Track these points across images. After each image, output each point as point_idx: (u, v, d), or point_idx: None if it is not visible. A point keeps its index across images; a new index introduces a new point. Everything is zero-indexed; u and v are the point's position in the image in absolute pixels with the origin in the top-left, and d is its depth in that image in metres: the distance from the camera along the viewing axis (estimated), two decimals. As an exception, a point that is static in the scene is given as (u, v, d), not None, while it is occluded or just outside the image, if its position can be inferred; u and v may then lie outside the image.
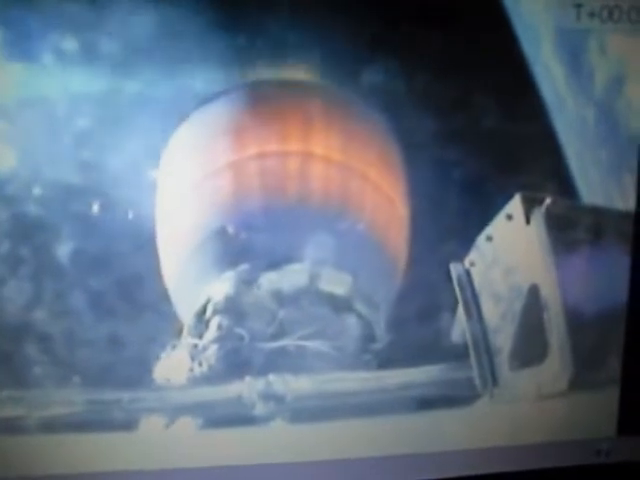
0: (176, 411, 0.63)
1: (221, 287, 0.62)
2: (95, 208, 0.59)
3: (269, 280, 0.62)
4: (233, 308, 0.62)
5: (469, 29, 0.62)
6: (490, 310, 0.66)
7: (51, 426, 0.61)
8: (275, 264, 0.62)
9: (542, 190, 0.65)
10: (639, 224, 0.67)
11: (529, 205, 0.65)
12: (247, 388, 0.63)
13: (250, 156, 0.61)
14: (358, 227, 0.63)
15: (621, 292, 0.68)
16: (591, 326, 0.68)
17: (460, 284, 0.65)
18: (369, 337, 0.64)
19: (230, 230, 0.61)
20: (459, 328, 0.65)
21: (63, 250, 0.59)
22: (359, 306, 0.63)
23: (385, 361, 0.64)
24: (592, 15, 0.64)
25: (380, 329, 0.64)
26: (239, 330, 0.62)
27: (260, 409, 0.63)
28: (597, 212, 0.67)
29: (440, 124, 0.63)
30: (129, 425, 0.62)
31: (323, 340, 0.63)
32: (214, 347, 0.62)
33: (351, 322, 0.63)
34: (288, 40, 0.59)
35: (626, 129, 0.66)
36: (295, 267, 0.62)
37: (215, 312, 0.62)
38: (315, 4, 0.59)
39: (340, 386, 0.64)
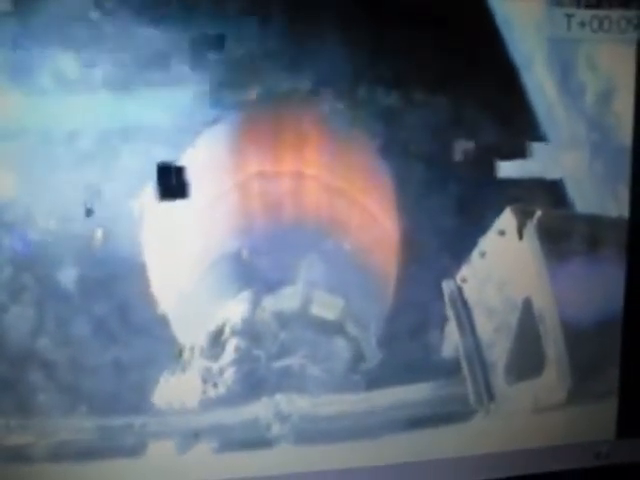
0: (188, 435, 0.62)
1: (237, 309, 0.61)
2: (97, 234, 0.59)
3: (271, 302, 0.61)
4: (249, 330, 0.62)
5: (461, 43, 0.62)
6: (484, 325, 0.66)
7: (60, 454, 0.61)
8: (272, 287, 0.62)
9: (535, 202, 0.65)
10: (633, 233, 0.67)
11: (521, 218, 0.65)
12: (263, 409, 0.63)
13: (250, 177, 0.60)
14: (347, 248, 0.62)
15: (617, 301, 0.68)
16: (588, 337, 0.67)
17: (452, 301, 0.64)
18: (359, 358, 0.63)
19: (241, 252, 0.61)
20: (450, 344, 0.65)
21: (66, 276, 0.59)
22: (350, 328, 0.63)
23: (376, 381, 0.64)
24: (583, 25, 0.63)
25: (370, 349, 0.64)
26: (256, 351, 0.62)
27: (276, 430, 0.63)
28: (590, 221, 0.66)
29: (432, 139, 0.62)
30: (140, 451, 0.62)
31: (315, 363, 0.63)
32: (232, 369, 0.62)
33: (341, 344, 0.63)
34: (284, 57, 0.59)
35: (616, 141, 0.65)
36: (288, 290, 0.62)
37: (233, 334, 0.61)
38: (310, 21, 0.59)
39: (332, 409, 0.64)
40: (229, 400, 0.62)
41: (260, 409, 0.63)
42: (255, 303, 0.61)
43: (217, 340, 0.62)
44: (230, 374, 0.62)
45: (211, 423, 0.62)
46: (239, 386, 0.62)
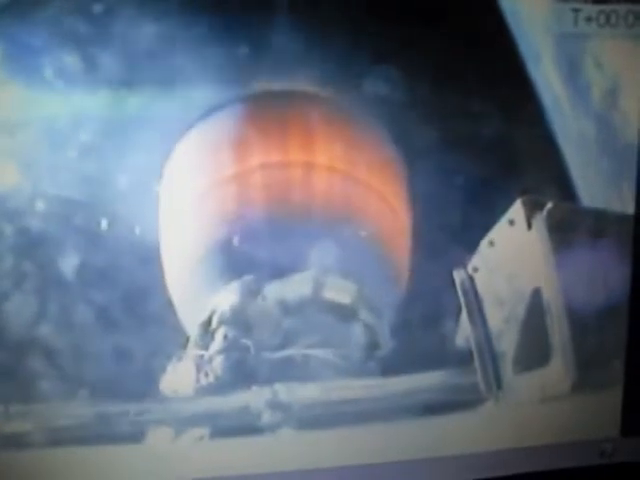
0: (183, 422, 0.63)
1: (226, 298, 0.62)
2: (99, 222, 0.59)
3: (274, 290, 0.62)
4: (239, 319, 0.62)
5: (469, 37, 0.62)
6: (493, 315, 0.66)
7: (59, 440, 0.61)
8: (279, 274, 0.62)
9: (543, 194, 0.66)
10: (639, 226, 0.68)
11: (530, 209, 0.65)
12: (254, 398, 0.63)
13: (253, 167, 0.61)
14: (361, 235, 0.63)
15: (622, 294, 0.69)
16: (593, 328, 0.68)
17: (463, 290, 0.65)
18: (373, 344, 0.64)
19: (235, 241, 0.61)
20: (463, 333, 0.66)
21: (67, 264, 0.59)
22: (363, 314, 0.63)
23: (390, 368, 0.65)
24: (589, 20, 0.64)
25: (384, 336, 0.64)
26: (245, 340, 0.62)
27: (267, 418, 0.63)
28: (598, 215, 0.67)
29: (441, 132, 0.63)
30: (137, 437, 0.62)
31: (328, 348, 0.63)
32: (220, 358, 0.62)
33: (355, 330, 0.63)
34: (289, 51, 0.59)
35: (623, 138, 0.66)
36: (299, 277, 0.62)
37: (221, 323, 0.62)
38: (315, 15, 0.59)
39: (345, 394, 0.64)
40: (219, 388, 0.63)
41: (250, 397, 0.63)
42: (253, 292, 0.62)
43: (207, 328, 0.62)
44: (219, 362, 0.62)
45: (204, 410, 0.63)
46: (227, 375, 0.62)
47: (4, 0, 0.55)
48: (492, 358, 0.66)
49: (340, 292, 0.63)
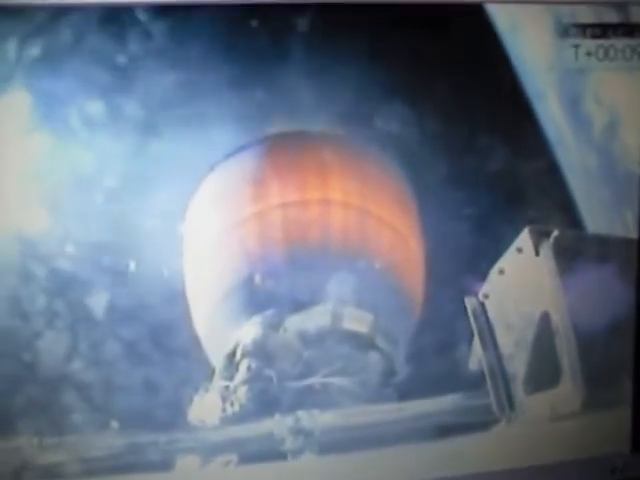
0: (211, 450, 0.65)
1: (249, 331, 0.65)
2: (127, 264, 0.62)
3: (294, 322, 0.64)
4: (261, 351, 0.65)
5: (476, 75, 0.65)
6: (504, 339, 0.69)
7: (92, 470, 0.63)
8: (299, 307, 0.65)
9: (550, 223, 0.68)
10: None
11: (538, 238, 0.67)
12: (277, 425, 0.65)
13: (273, 206, 0.64)
14: (376, 267, 0.65)
15: (628, 314, 0.71)
16: (601, 348, 0.70)
17: (475, 317, 0.67)
18: (389, 371, 0.67)
19: (256, 278, 0.64)
20: (475, 358, 0.68)
21: (97, 303, 0.62)
22: (380, 342, 0.66)
23: (405, 393, 0.67)
24: (589, 54, 0.66)
25: (400, 362, 0.67)
26: (267, 371, 0.65)
27: (290, 444, 0.66)
28: (602, 241, 0.69)
29: (451, 166, 0.66)
30: (166, 465, 0.65)
31: (346, 376, 0.65)
32: (244, 388, 0.65)
33: (373, 358, 0.66)
34: (302, 93, 0.62)
35: (624, 167, 0.69)
36: (318, 309, 0.65)
37: (244, 355, 0.65)
38: (327, 59, 0.62)
39: (364, 419, 0.67)
40: (243, 417, 0.65)
41: (274, 425, 0.65)
42: (274, 325, 0.65)
43: (231, 360, 0.65)
44: (243, 392, 0.65)
45: (231, 438, 0.65)
46: (252, 404, 0.65)
47: (34, 53, 0.58)
48: (504, 380, 0.69)
49: (357, 322, 0.65)
